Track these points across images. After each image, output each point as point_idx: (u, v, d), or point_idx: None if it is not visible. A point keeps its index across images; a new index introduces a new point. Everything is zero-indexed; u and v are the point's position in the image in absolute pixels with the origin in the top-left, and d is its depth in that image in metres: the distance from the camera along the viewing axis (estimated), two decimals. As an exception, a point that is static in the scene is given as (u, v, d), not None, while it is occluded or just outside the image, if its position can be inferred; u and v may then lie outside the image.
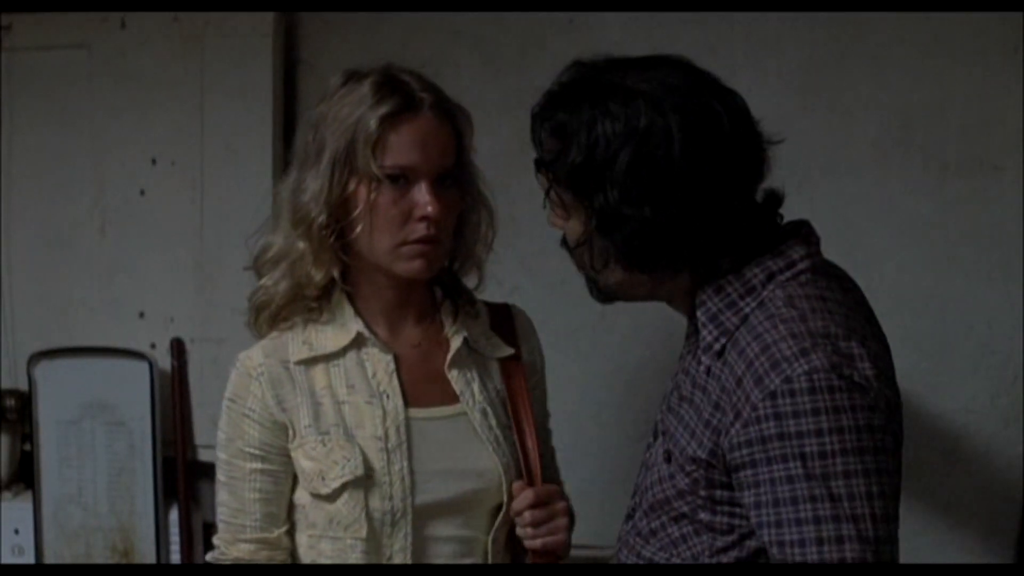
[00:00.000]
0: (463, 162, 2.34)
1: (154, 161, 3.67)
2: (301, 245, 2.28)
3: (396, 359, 2.35)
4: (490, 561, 2.39)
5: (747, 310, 1.94)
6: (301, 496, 2.34)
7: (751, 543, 1.94)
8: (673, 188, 1.88)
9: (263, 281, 2.35)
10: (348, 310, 2.35)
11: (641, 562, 2.09)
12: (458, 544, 2.37)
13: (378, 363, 2.34)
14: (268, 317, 2.37)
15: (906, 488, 3.25)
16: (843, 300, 1.94)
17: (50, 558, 3.63)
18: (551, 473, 2.56)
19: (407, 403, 2.33)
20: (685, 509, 2.00)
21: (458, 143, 2.32)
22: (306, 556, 2.35)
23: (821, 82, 3.29)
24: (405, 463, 2.29)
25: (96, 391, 3.60)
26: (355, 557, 2.28)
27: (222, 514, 2.37)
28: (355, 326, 2.34)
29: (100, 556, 3.58)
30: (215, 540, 2.39)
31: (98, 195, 3.77)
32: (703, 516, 1.97)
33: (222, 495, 2.37)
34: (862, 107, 3.28)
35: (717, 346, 1.96)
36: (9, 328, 3.88)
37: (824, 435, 1.78)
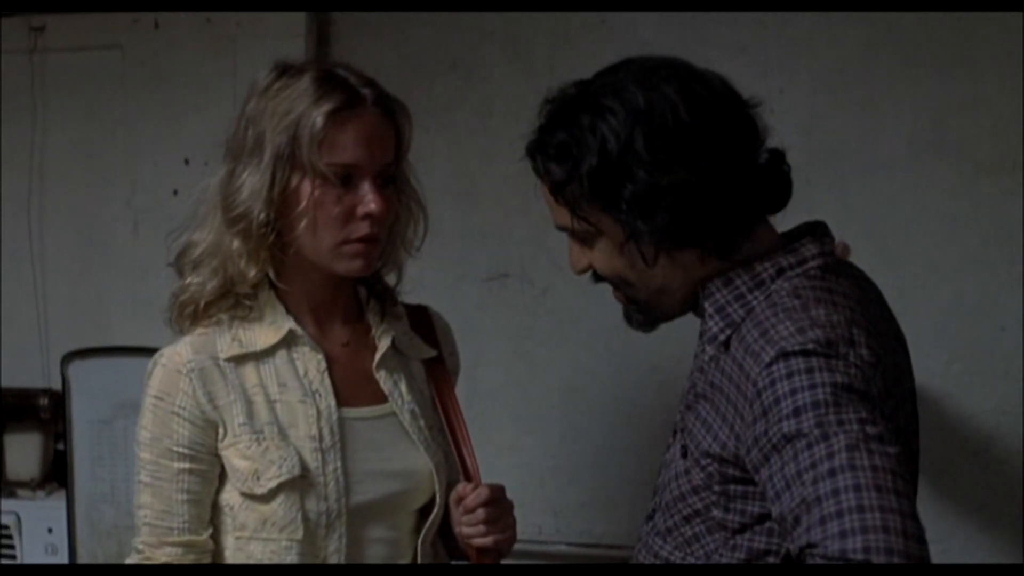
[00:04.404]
0: (401, 160, 2.31)
1: (187, 161, 3.69)
2: (235, 243, 2.22)
3: (327, 358, 2.32)
4: (419, 562, 2.37)
5: (754, 303, 1.95)
6: (229, 497, 2.28)
7: (761, 544, 1.94)
8: (694, 147, 1.89)
9: (190, 279, 2.29)
10: (279, 308, 2.31)
11: (657, 562, 2.09)
12: (387, 545, 2.35)
13: (309, 362, 2.30)
14: (191, 314, 2.31)
15: (937, 488, 3.26)
16: (852, 295, 1.95)
17: (83, 557, 3.64)
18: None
19: (339, 402, 2.30)
20: (699, 506, 2.00)
21: (398, 140, 2.28)
22: (233, 559, 2.29)
23: (853, 81, 3.28)
24: (339, 463, 2.26)
25: (129, 391, 3.58)
26: (290, 559, 2.24)
27: (145, 517, 2.27)
28: (287, 324, 2.29)
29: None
30: (137, 544, 2.29)
31: (131, 195, 3.80)
32: (716, 513, 1.97)
33: (144, 497, 2.27)
34: (894, 106, 3.27)
35: (722, 337, 1.97)
36: (43, 328, 3.90)
37: (817, 387, 1.77)
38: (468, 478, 2.36)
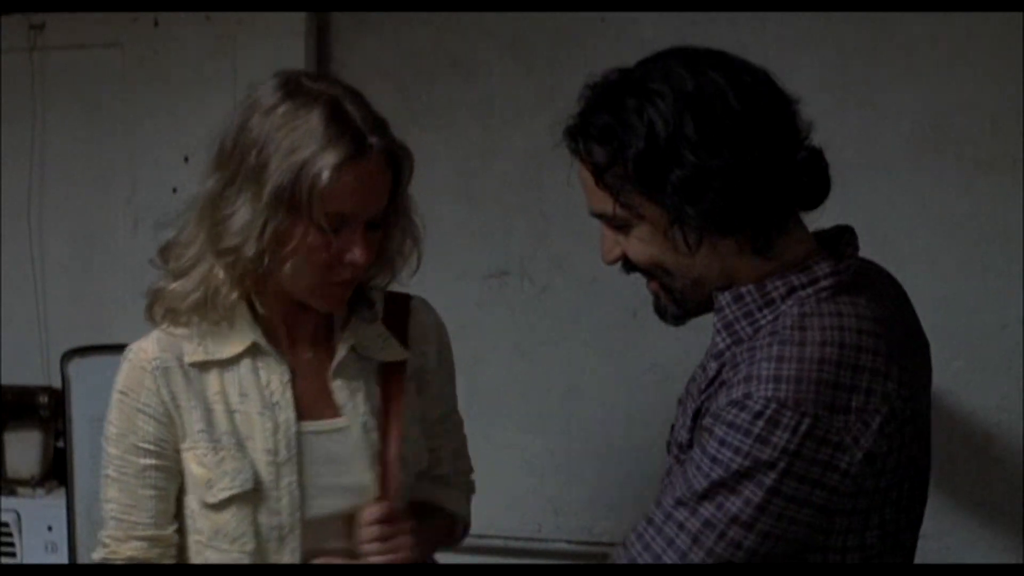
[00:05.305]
0: (396, 204, 2.23)
1: (187, 159, 3.69)
2: (220, 272, 2.17)
3: (291, 370, 2.27)
4: None
5: (763, 322, 1.92)
6: (190, 500, 2.27)
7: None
8: (742, 134, 1.86)
9: (175, 286, 2.22)
10: (247, 316, 2.25)
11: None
12: (344, 559, 2.29)
13: (272, 373, 2.26)
14: (167, 313, 2.26)
15: (937, 486, 3.26)
16: (865, 314, 1.90)
17: (83, 555, 3.64)
18: (453, 465, 2.51)
19: (299, 416, 2.26)
20: None
21: (395, 184, 2.21)
22: (195, 559, 2.28)
23: (853, 80, 3.29)
24: (294, 477, 2.23)
25: (129, 388, 3.61)
26: None
27: (112, 511, 2.27)
28: (252, 335, 2.25)
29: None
30: (103, 538, 2.29)
31: (131, 193, 3.81)
32: None
33: (112, 491, 2.27)
34: (894, 105, 3.28)
35: (728, 354, 1.95)
36: (43, 326, 3.91)
37: (738, 455, 1.80)
38: (385, 492, 2.31)
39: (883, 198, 3.28)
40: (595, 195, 1.97)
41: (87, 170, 3.88)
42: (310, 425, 2.27)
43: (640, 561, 1.88)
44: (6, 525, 3.79)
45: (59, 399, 3.71)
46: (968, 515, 3.34)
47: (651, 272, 2.02)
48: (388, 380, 2.36)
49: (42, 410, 3.82)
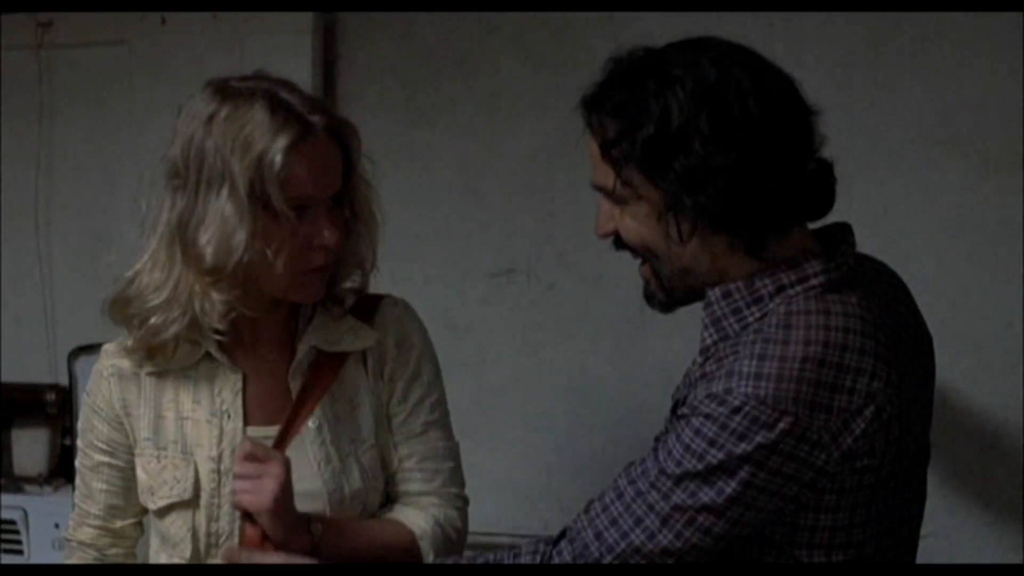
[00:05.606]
0: (351, 181, 2.20)
1: (192, 158, 3.70)
2: (198, 289, 2.12)
3: (245, 377, 2.24)
4: None
5: (750, 319, 1.92)
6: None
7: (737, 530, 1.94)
8: (755, 137, 1.85)
9: (154, 322, 2.15)
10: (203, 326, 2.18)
11: None
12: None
13: (226, 381, 2.23)
14: (148, 351, 2.22)
15: (943, 484, 3.26)
16: (854, 313, 1.88)
17: (90, 552, 3.66)
18: (424, 486, 2.35)
19: (248, 422, 2.23)
20: None
21: (347, 162, 2.18)
22: (152, 560, 2.32)
23: (860, 78, 3.29)
24: None
25: (136, 386, 3.61)
26: None
27: (76, 497, 2.37)
28: (206, 345, 2.21)
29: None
30: (70, 519, 2.38)
31: (137, 191, 3.80)
32: None
33: (78, 479, 2.36)
34: (901, 103, 3.28)
35: (714, 349, 1.96)
36: (50, 323, 3.92)
37: (713, 447, 1.81)
38: None
39: (889, 196, 3.28)
40: (599, 167, 1.97)
41: (94, 168, 3.89)
42: (261, 431, 2.23)
43: (606, 535, 1.93)
44: (13, 523, 3.79)
45: (66, 397, 3.73)
46: (974, 514, 3.34)
47: (641, 254, 2.02)
48: (321, 368, 2.28)
49: (49, 407, 3.84)
